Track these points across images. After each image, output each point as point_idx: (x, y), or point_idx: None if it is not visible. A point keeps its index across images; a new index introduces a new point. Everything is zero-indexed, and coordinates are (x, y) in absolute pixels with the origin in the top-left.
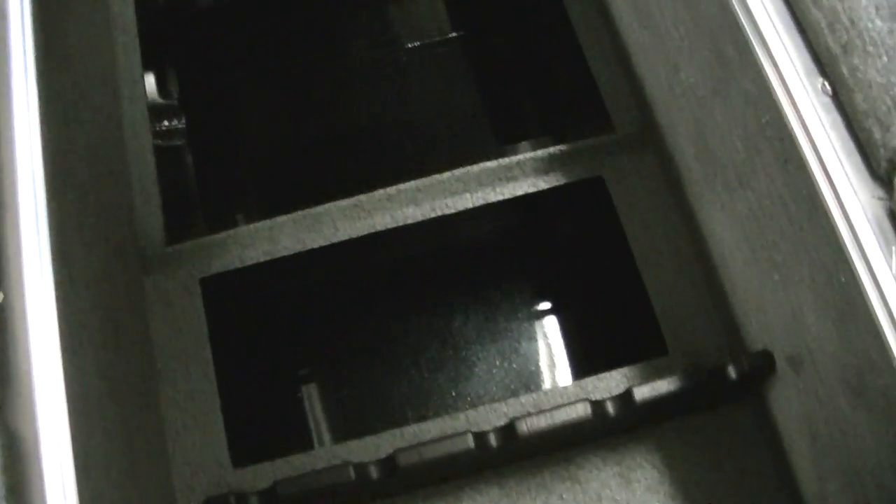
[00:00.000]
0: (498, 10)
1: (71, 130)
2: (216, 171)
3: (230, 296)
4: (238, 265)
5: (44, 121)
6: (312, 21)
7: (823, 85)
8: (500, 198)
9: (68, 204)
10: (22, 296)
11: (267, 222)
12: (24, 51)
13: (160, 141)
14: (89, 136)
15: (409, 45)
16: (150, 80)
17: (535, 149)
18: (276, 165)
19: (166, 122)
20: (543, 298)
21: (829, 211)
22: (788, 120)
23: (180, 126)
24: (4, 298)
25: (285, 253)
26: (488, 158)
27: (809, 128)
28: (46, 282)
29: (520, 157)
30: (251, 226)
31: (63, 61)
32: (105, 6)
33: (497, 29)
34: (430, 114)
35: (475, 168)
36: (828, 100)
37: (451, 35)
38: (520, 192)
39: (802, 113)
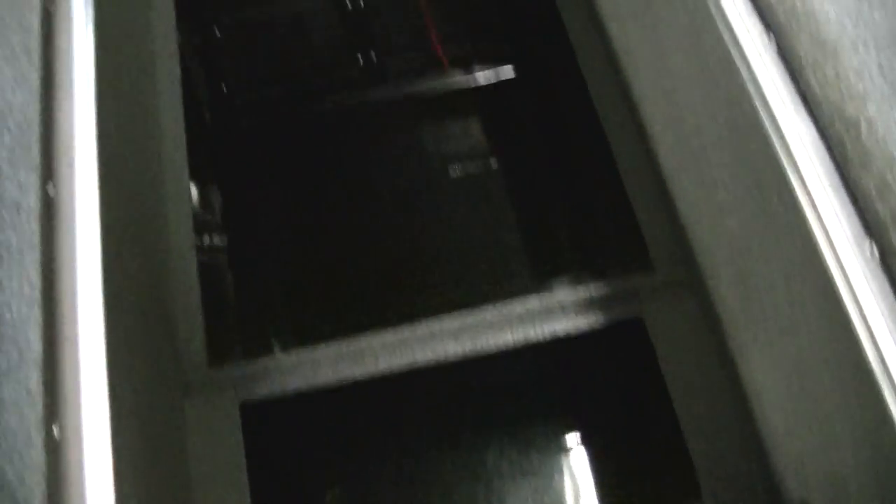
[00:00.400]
0: (540, 142)
1: (124, 261)
2: (256, 293)
3: (269, 422)
4: (279, 392)
5: (104, 258)
6: (358, 148)
7: (872, 248)
8: (541, 336)
9: (120, 337)
10: (79, 430)
11: (309, 351)
12: (88, 183)
13: (202, 257)
14: (138, 265)
15: (452, 176)
16: (193, 194)
17: (575, 286)
18: (317, 291)
19: (208, 239)
20: (579, 437)
21: (874, 373)
22: (834, 280)
23: (222, 244)
24: (61, 433)
25: (326, 383)
26: (528, 294)
27: (855, 290)
28: (102, 417)
29: (561, 295)
30: (293, 354)
31: (120, 190)
32: (157, 124)
33: (539, 161)
34: (471, 246)
35: (517, 306)
36: (875, 264)
37: (493, 165)
38: (560, 332)
39: (849, 275)
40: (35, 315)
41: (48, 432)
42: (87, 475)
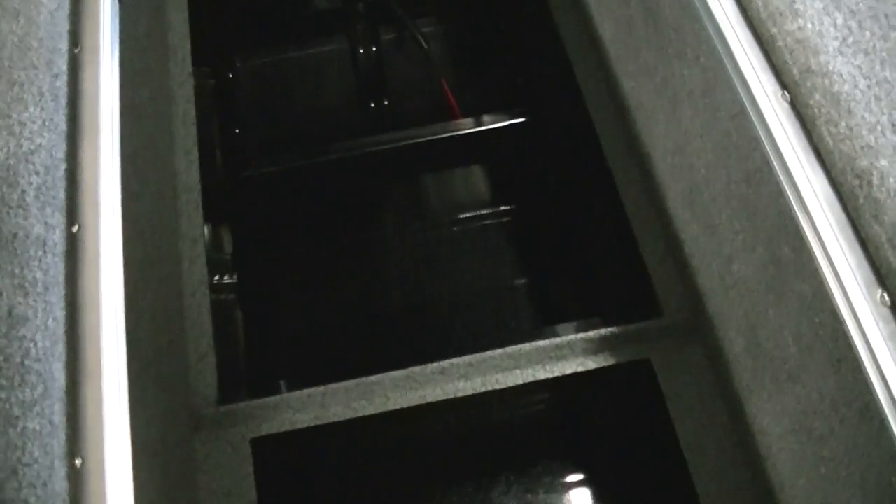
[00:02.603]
0: (551, 188)
1: (140, 300)
2: (267, 332)
3: (279, 458)
4: (288, 428)
5: (125, 294)
6: (369, 192)
7: (882, 296)
8: (549, 376)
9: (136, 372)
10: (101, 462)
11: (319, 388)
12: (111, 222)
13: (213, 294)
14: (154, 303)
15: (464, 220)
16: (206, 234)
17: (584, 329)
18: (325, 333)
19: (217, 277)
20: (586, 476)
21: (886, 416)
22: (847, 327)
23: (232, 281)
24: (83, 465)
25: (336, 419)
26: (536, 337)
27: (868, 337)
28: (123, 450)
29: (569, 337)
30: (304, 391)
31: (138, 229)
32: (172, 164)
33: (550, 206)
34: (482, 290)
35: (526, 346)
36: (886, 310)
37: (504, 210)
38: (569, 371)
39: (861, 322)
40: (59, 350)
41: (71, 464)
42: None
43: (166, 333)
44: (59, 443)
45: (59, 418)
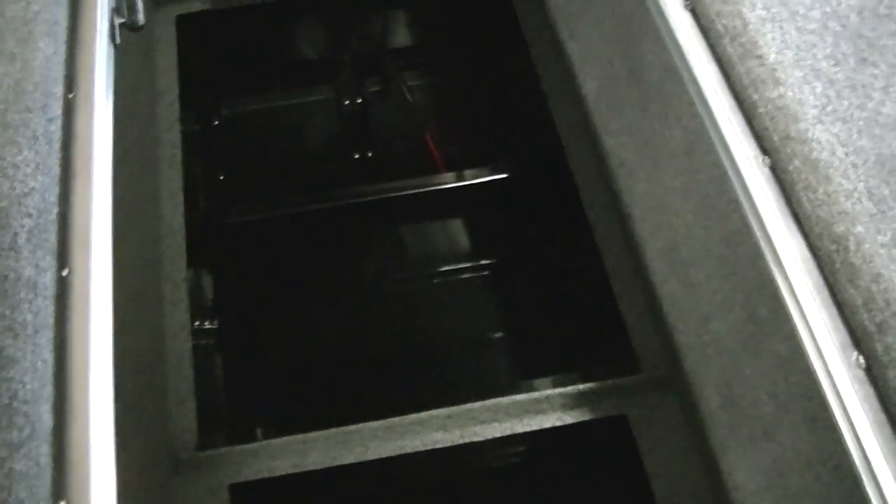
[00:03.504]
0: (531, 243)
1: (124, 342)
2: (247, 380)
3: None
4: (267, 475)
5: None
6: (346, 244)
7: (857, 358)
8: (527, 429)
9: (119, 414)
10: None
11: (299, 436)
12: (101, 266)
13: (194, 339)
14: (137, 345)
15: (444, 272)
16: (189, 278)
17: (562, 384)
18: (305, 381)
19: (199, 322)
20: None
21: (859, 475)
22: (823, 388)
23: (213, 326)
24: None
25: (314, 467)
26: (515, 390)
27: (843, 397)
28: (108, 493)
29: (548, 391)
30: (283, 438)
31: (126, 271)
32: (158, 208)
33: (530, 261)
34: (461, 343)
35: (504, 400)
36: (861, 372)
37: (485, 264)
38: (547, 425)
39: (837, 382)
40: (48, 392)
41: None
42: None
43: (147, 376)
44: (44, 484)
45: (45, 460)
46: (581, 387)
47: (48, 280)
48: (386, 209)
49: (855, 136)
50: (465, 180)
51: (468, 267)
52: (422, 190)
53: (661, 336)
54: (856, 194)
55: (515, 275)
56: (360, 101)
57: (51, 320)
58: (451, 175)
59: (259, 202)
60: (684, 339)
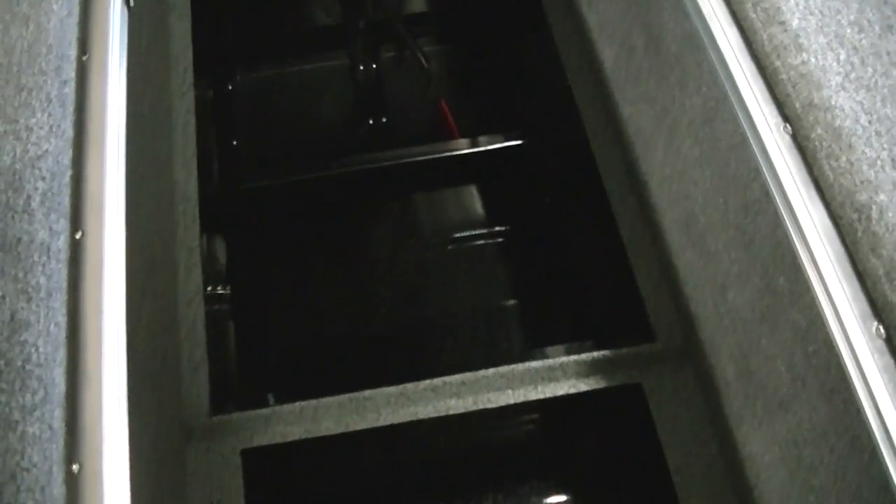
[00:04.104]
0: (547, 211)
1: (138, 308)
2: (260, 346)
3: (269, 470)
4: (279, 440)
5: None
6: (360, 210)
7: (878, 329)
8: (541, 397)
9: (132, 381)
10: (99, 468)
11: (312, 402)
12: (114, 229)
13: (206, 305)
14: (151, 312)
15: (457, 237)
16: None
17: (576, 352)
18: (318, 348)
19: (211, 288)
20: (572, 498)
21: (878, 446)
22: (843, 358)
23: (226, 292)
24: (81, 470)
25: (327, 433)
26: (528, 358)
27: (863, 368)
28: (121, 457)
29: (562, 359)
30: (296, 404)
31: (139, 237)
32: (171, 173)
33: (546, 229)
34: (476, 311)
35: (519, 367)
36: (882, 343)
37: (500, 231)
38: (560, 393)
39: (857, 353)
40: (60, 355)
41: (68, 469)
42: None
43: (162, 343)
44: (57, 448)
45: (58, 424)
46: (595, 355)
47: (61, 243)
48: (399, 176)
49: (879, 104)
50: (479, 147)
51: (482, 234)
52: (436, 156)
53: (677, 306)
54: (879, 162)
55: (530, 243)
56: (374, 67)
57: (64, 283)
58: (465, 142)
59: (272, 168)
60: (700, 309)
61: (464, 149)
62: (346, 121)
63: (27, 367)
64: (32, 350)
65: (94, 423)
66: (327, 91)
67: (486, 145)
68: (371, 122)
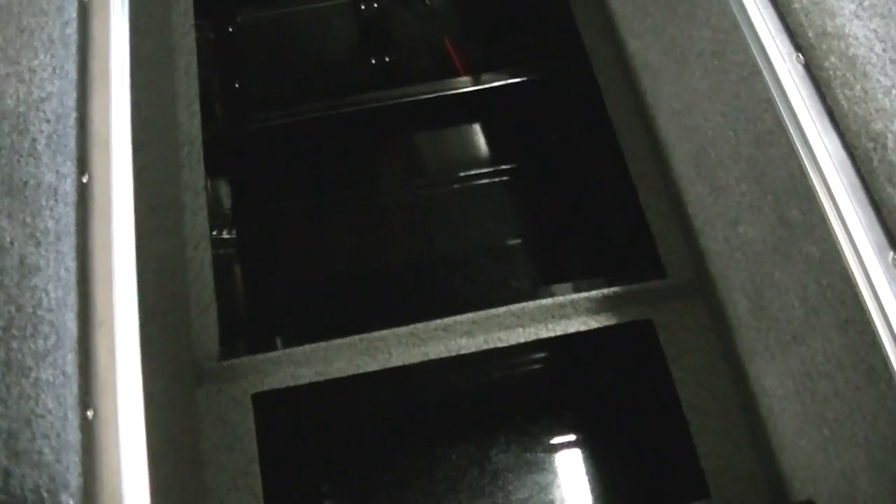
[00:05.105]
0: (555, 148)
1: (146, 251)
2: (268, 289)
3: (281, 413)
4: (290, 383)
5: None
6: (366, 150)
7: (894, 258)
8: (552, 334)
9: (142, 325)
10: (114, 412)
11: (322, 344)
12: (122, 172)
13: (214, 249)
14: (158, 254)
15: (464, 175)
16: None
17: (586, 289)
18: (327, 290)
19: (216, 231)
20: (584, 436)
21: (894, 374)
22: (859, 289)
23: (231, 236)
24: (95, 415)
25: (338, 375)
26: (539, 295)
27: (880, 297)
28: (135, 400)
29: (573, 296)
30: (306, 346)
31: (145, 180)
32: (175, 116)
33: (554, 166)
34: (485, 249)
35: (529, 304)
36: None
37: (508, 169)
38: (571, 330)
39: (873, 283)
40: (71, 299)
41: (83, 415)
42: (122, 456)
43: (169, 285)
44: (71, 393)
45: (71, 369)
46: (606, 291)
47: (69, 186)
48: (405, 114)
49: (894, 31)
50: (485, 84)
51: (490, 172)
52: (441, 94)
53: (688, 240)
54: (894, 91)
55: (538, 180)
56: (376, 5)
57: (72, 227)
58: (470, 79)
59: (276, 109)
60: (712, 243)
61: (469, 86)
62: (349, 59)
63: (38, 312)
64: (43, 295)
65: (108, 367)
66: (330, 30)
67: (492, 82)
68: (375, 60)
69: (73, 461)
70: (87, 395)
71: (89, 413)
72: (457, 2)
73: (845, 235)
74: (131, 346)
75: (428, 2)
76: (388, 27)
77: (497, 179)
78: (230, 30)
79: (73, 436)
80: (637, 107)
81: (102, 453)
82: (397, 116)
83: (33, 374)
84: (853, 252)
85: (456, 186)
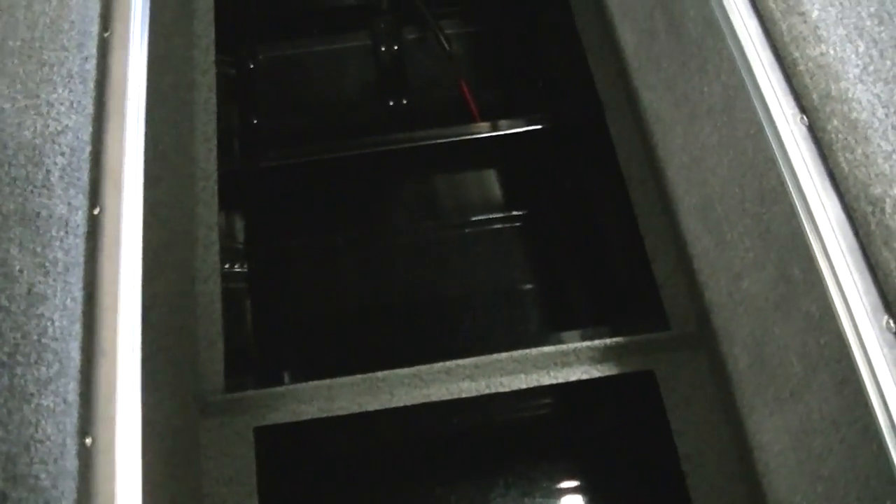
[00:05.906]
0: (564, 196)
1: (155, 284)
2: (275, 324)
3: (282, 448)
4: (293, 419)
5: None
6: (378, 191)
7: (888, 322)
8: (554, 381)
9: (147, 355)
10: (112, 441)
11: (326, 381)
12: (132, 206)
13: (224, 283)
14: (168, 287)
15: (474, 220)
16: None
17: (590, 337)
18: (333, 327)
19: (229, 265)
20: (582, 483)
21: (885, 439)
22: (852, 350)
23: (243, 270)
24: (94, 444)
25: (340, 413)
26: (542, 342)
27: (872, 361)
28: (133, 431)
29: (575, 345)
30: (310, 383)
31: (157, 213)
32: (192, 150)
33: (563, 214)
34: (490, 291)
35: (532, 351)
36: (892, 336)
37: (517, 215)
38: (573, 378)
39: (866, 345)
40: (76, 329)
41: (81, 442)
42: (118, 485)
43: (178, 318)
44: (71, 421)
45: (72, 397)
46: (609, 341)
47: (80, 218)
48: (420, 157)
49: None
50: (500, 131)
51: (500, 217)
52: (456, 139)
53: (692, 293)
54: (895, 156)
55: (547, 227)
56: (396, 48)
57: (81, 259)
58: (486, 125)
59: (293, 147)
60: (715, 296)
61: (484, 132)
62: (366, 101)
63: (43, 340)
64: (48, 324)
65: (109, 396)
66: (349, 70)
67: (506, 129)
68: (392, 102)
69: (69, 487)
70: (86, 423)
71: (88, 441)
72: (474, 47)
73: (841, 297)
74: (133, 377)
75: (446, 46)
76: (405, 69)
77: (507, 225)
78: (250, 66)
79: (71, 462)
80: (648, 158)
81: (99, 480)
82: (411, 159)
83: (35, 401)
84: (847, 314)
85: (467, 230)
